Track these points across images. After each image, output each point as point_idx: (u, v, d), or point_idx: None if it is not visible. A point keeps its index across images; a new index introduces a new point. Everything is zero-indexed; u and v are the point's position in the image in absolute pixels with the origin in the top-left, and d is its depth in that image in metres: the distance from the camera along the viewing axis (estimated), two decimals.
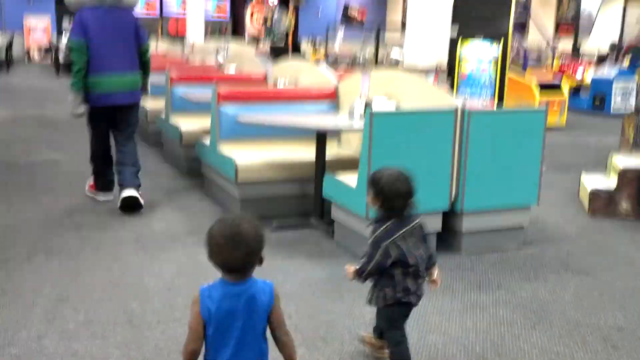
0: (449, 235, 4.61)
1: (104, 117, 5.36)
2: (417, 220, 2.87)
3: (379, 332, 3.07)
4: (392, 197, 2.78)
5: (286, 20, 18.88)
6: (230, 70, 8.02)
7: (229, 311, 1.97)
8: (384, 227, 2.80)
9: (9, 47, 19.54)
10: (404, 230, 2.80)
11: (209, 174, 5.91)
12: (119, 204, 5.25)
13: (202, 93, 6.40)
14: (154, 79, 7.90)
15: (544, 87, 10.78)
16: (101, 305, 3.61)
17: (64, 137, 8.13)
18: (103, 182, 5.63)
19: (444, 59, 8.69)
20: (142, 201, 5.30)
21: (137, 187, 5.36)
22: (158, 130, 7.70)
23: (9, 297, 3.68)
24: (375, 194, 2.81)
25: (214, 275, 3.99)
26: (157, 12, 26.10)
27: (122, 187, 5.33)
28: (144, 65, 5.54)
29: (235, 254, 1.95)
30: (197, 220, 5.22)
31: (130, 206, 5.23)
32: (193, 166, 6.51)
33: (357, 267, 2.87)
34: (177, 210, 5.45)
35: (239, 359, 2.00)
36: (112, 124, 5.44)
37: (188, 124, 6.72)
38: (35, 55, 23.56)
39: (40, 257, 4.31)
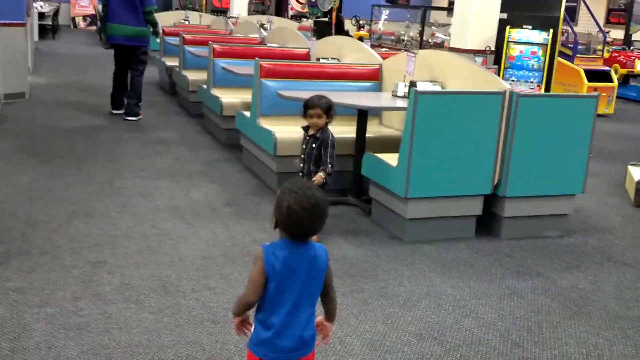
0: (489, 219, 4.52)
1: (117, 54, 7.85)
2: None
3: None
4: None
5: None
6: (274, 45, 7.98)
7: (293, 269, 2.00)
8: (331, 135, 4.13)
9: (56, 14, 19.80)
10: None
11: (248, 146, 5.90)
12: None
13: (244, 67, 6.38)
14: (196, 50, 7.99)
15: (593, 74, 10.49)
16: (137, 270, 3.63)
17: (105, 103, 8.20)
18: (116, 101, 7.99)
19: (491, 42, 8.49)
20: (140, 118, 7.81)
21: (136, 114, 7.80)
22: (199, 101, 7.72)
23: (48, 257, 3.73)
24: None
25: (251, 246, 4.01)
26: None
27: (126, 114, 7.81)
28: (148, 22, 7.70)
29: (315, 224, 2.01)
30: (235, 191, 5.22)
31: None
32: (232, 138, 6.52)
33: (325, 170, 4.08)
34: (215, 181, 5.46)
35: (293, 319, 2.03)
36: (125, 61, 7.81)
37: (229, 96, 6.72)
38: (80, 22, 23.85)
39: (79, 220, 4.35)
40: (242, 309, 2.05)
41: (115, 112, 7.98)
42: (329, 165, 4.13)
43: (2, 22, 7.88)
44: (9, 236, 4.00)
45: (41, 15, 17.73)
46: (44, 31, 17.88)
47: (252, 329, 2.08)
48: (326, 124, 4.19)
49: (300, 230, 2.02)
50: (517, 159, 4.37)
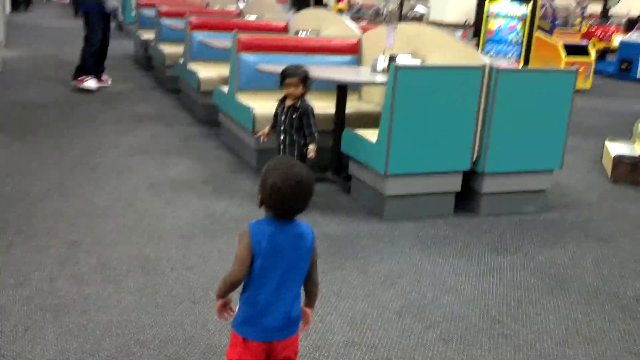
0: (467, 195, 4.52)
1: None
2: None
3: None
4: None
5: None
6: (251, 18, 7.85)
7: (279, 246, 1.99)
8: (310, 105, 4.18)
9: None
10: None
11: (226, 122, 5.83)
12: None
13: (222, 40, 6.28)
14: (173, 23, 7.84)
15: (571, 49, 10.51)
16: (114, 250, 3.58)
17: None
18: (96, 71, 7.87)
19: (470, 15, 8.45)
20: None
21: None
22: (175, 76, 7.61)
23: (23, 236, 3.66)
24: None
25: (230, 224, 3.97)
26: None
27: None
28: None
29: (300, 202, 1.99)
30: (212, 168, 5.17)
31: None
32: (210, 114, 6.44)
33: (314, 140, 4.16)
34: (193, 158, 5.39)
35: (278, 298, 2.01)
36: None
37: (206, 71, 6.62)
38: None
39: (54, 198, 4.28)
40: (228, 288, 2.02)
41: (94, 85, 7.81)
42: (316, 134, 4.19)
43: None
44: None
45: None
46: (16, 3, 17.47)
47: (236, 310, 2.06)
48: (303, 94, 4.18)
49: (287, 208, 1.99)
50: (496, 135, 4.36)
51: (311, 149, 4.16)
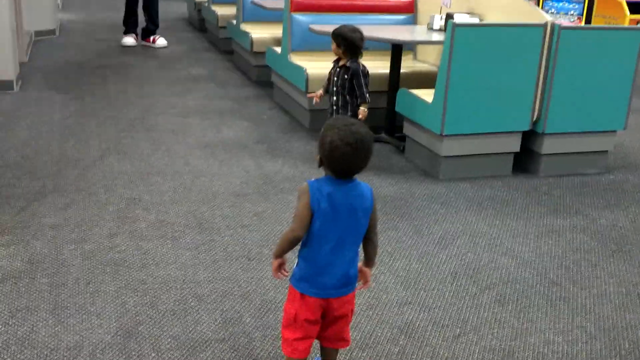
0: (527, 156, 4.42)
1: None
2: None
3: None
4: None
5: None
6: None
7: (338, 205, 1.97)
8: (361, 65, 4.13)
9: None
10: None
11: (279, 83, 5.81)
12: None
13: (274, 1, 6.23)
14: None
15: (635, 5, 10.05)
16: (172, 207, 3.64)
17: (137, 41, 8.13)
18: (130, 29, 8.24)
19: None
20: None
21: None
22: (229, 37, 7.60)
23: (83, 195, 3.75)
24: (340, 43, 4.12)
25: (284, 184, 3.98)
26: None
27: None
28: None
29: (359, 160, 1.97)
30: (266, 128, 5.17)
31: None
32: (263, 74, 6.43)
33: (365, 101, 4.11)
34: (246, 119, 5.41)
35: (337, 257, 2.01)
36: None
37: (259, 31, 6.59)
38: None
39: (112, 157, 4.36)
40: (287, 245, 2.02)
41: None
42: (367, 95, 4.12)
43: None
44: (43, 173, 4.02)
45: None
46: None
47: (294, 266, 2.07)
48: (355, 55, 4.11)
49: (345, 167, 1.97)
50: (558, 95, 4.22)
51: (362, 109, 4.10)
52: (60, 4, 10.70)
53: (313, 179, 1.99)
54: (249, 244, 3.27)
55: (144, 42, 8.25)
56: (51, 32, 8.40)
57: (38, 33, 8.07)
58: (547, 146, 4.35)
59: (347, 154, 1.93)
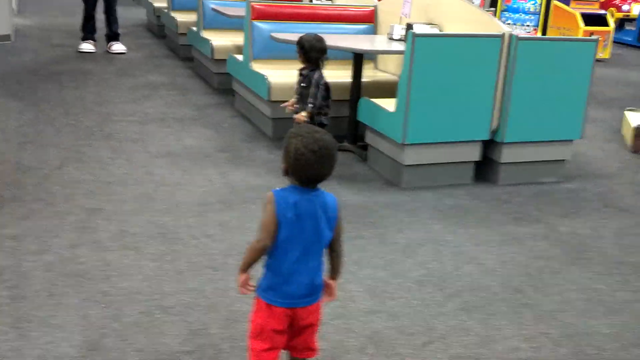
0: (487, 165, 4.49)
1: None
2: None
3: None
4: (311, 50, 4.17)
5: None
6: None
7: (305, 214, 1.97)
8: (318, 71, 4.17)
9: None
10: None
11: (241, 91, 5.79)
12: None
13: (235, 8, 6.21)
14: None
15: (589, 17, 10.34)
16: (134, 217, 3.58)
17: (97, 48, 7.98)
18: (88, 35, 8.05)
19: None
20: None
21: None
22: (189, 44, 7.54)
23: (42, 204, 3.66)
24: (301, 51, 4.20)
25: (247, 193, 3.96)
26: None
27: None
28: None
29: (325, 167, 1.97)
30: (228, 137, 5.14)
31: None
32: (224, 82, 6.39)
33: (308, 109, 4.12)
34: (208, 126, 5.36)
35: (302, 266, 2.00)
36: None
37: (220, 39, 6.56)
38: None
39: (71, 166, 4.27)
40: (255, 255, 2.01)
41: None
42: (310, 105, 4.16)
43: None
44: (1, 182, 3.92)
45: None
46: None
47: (259, 278, 2.06)
48: (316, 65, 4.18)
49: (310, 175, 1.97)
50: (516, 104, 4.31)
51: (300, 114, 4.15)
52: (15, 8, 10.46)
53: (278, 188, 1.99)
54: (214, 254, 3.23)
55: (108, 50, 8.09)
56: (6, 37, 8.20)
57: None
58: (507, 155, 4.43)
59: (311, 160, 1.93)
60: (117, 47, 8.06)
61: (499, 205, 4.13)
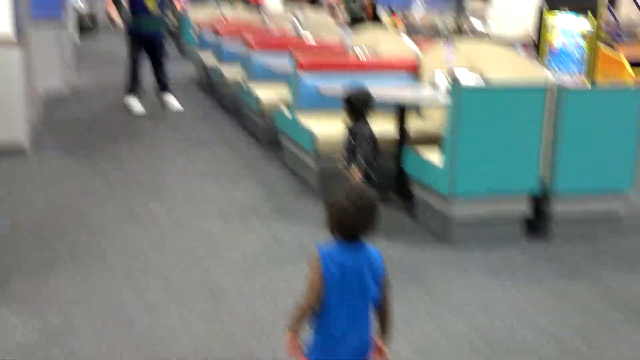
0: (537, 220, 4.39)
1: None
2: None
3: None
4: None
5: None
6: (309, 39, 7.89)
7: (350, 271, 2.00)
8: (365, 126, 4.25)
9: (94, 14, 19.82)
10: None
11: (287, 144, 5.86)
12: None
13: (281, 61, 6.32)
14: (231, 47, 7.97)
15: (637, 64, 10.16)
16: (184, 276, 3.63)
17: (145, 103, 8.18)
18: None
19: (530, 30, 8.31)
20: None
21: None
22: (236, 97, 7.69)
23: (97, 265, 3.75)
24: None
25: (297, 249, 3.97)
26: None
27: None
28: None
29: (367, 220, 2.02)
30: (276, 191, 5.19)
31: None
32: (271, 135, 6.47)
33: (358, 164, 4.18)
34: (256, 181, 5.44)
35: (350, 324, 2.02)
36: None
37: (266, 92, 6.66)
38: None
39: (125, 223, 4.37)
40: (302, 315, 2.03)
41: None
42: (360, 158, 4.20)
43: (41, 18, 7.92)
44: (58, 241, 4.04)
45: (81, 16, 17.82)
46: (84, 30, 17.98)
47: (308, 340, 2.06)
48: (360, 117, 4.25)
49: (353, 229, 2.01)
50: (565, 155, 4.25)
51: (352, 170, 4.20)
52: (71, 65, 10.87)
53: (323, 245, 2.01)
54: (263, 312, 3.25)
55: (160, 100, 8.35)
56: (62, 93, 8.53)
57: (50, 94, 8.19)
58: (558, 209, 4.34)
59: (354, 214, 1.98)
60: (172, 102, 8.28)
61: (550, 262, 4.04)
